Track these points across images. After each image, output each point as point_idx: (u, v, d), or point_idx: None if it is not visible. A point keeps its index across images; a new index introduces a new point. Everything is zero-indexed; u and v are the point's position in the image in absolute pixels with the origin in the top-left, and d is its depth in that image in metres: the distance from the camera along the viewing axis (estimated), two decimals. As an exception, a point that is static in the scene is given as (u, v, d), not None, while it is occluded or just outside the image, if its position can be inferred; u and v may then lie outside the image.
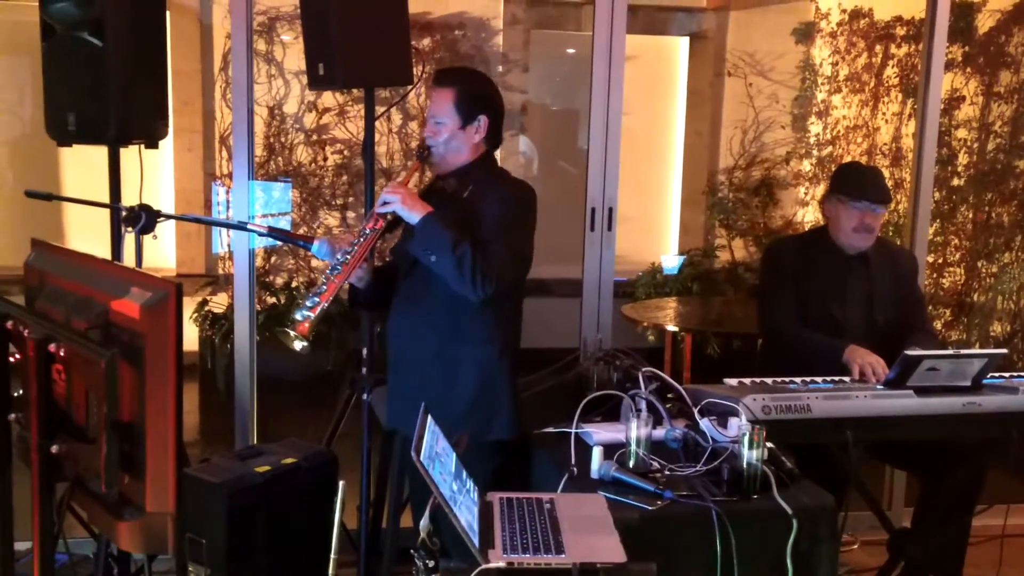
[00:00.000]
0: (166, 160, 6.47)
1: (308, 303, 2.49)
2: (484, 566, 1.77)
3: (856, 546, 3.73)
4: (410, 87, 3.29)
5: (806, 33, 6.66)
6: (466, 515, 1.88)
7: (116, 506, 1.63)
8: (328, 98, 5.90)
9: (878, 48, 6.19)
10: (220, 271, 6.18)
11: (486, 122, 2.69)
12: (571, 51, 7.20)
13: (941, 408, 2.74)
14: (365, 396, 3.24)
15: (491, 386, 2.67)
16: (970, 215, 5.59)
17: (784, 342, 3.28)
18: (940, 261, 5.63)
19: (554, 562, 1.80)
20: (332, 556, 2.29)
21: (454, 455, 2.02)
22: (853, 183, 3.28)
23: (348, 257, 2.57)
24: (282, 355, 2.45)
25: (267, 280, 5.95)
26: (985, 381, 2.86)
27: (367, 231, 2.60)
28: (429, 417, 1.97)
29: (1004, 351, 2.90)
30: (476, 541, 1.82)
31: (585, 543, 1.89)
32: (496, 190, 2.67)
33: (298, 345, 2.46)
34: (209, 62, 6.27)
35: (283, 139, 6.00)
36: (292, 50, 5.85)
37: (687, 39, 7.10)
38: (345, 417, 3.48)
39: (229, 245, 5.21)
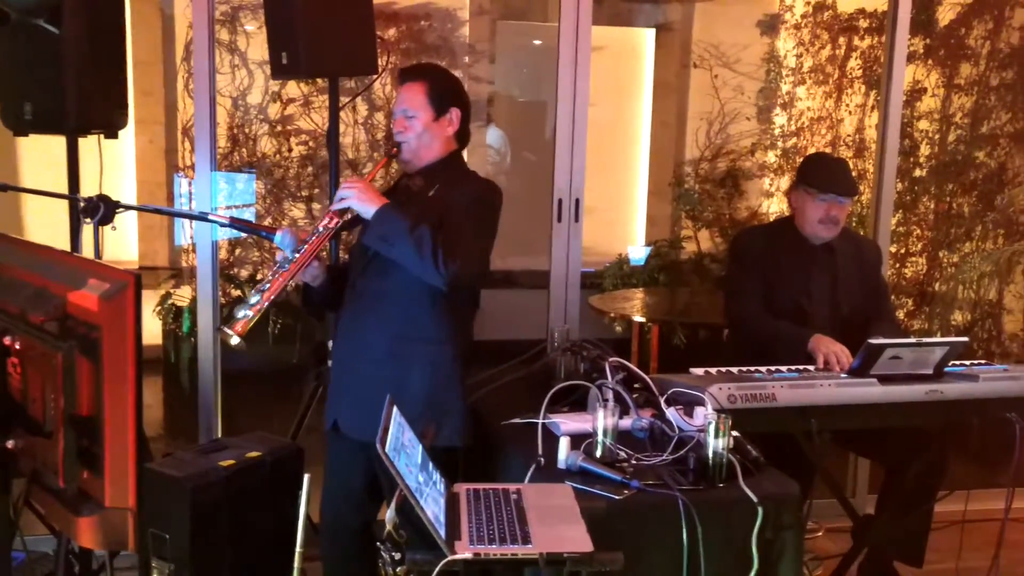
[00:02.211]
0: (128, 151, 6.38)
1: (251, 300, 2.41)
2: (451, 557, 1.76)
3: (821, 533, 3.77)
4: (375, 77, 3.26)
5: (771, 25, 6.71)
6: (432, 507, 1.87)
7: (74, 502, 1.60)
8: (292, 88, 5.84)
9: (841, 40, 6.24)
10: (184, 263, 6.10)
11: (458, 115, 2.66)
12: (537, 42, 7.19)
13: (904, 396, 2.77)
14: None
15: (443, 389, 2.62)
16: (932, 205, 5.66)
17: (750, 331, 3.30)
18: (903, 251, 5.69)
19: (521, 552, 1.79)
20: (297, 549, 2.27)
21: (420, 446, 2.01)
22: (820, 175, 3.29)
23: (296, 255, 2.50)
24: (246, 348, 2.40)
25: (231, 273, 5.89)
26: (947, 369, 2.89)
27: (319, 228, 2.53)
28: (395, 408, 1.95)
29: (965, 339, 2.93)
30: (443, 533, 1.81)
31: (552, 533, 1.89)
32: (462, 188, 2.62)
33: (234, 342, 2.40)
34: (171, 52, 6.19)
35: (247, 130, 5.93)
36: (256, 40, 5.78)
37: (653, 30, 7.12)
38: (311, 410, 3.46)
39: (192, 237, 5.14)
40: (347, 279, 2.75)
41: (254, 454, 2.90)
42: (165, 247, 6.58)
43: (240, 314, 2.38)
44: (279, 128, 5.92)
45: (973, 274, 5.10)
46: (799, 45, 6.50)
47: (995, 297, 5.39)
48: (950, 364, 2.91)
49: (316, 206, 6.04)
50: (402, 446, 1.89)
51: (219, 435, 3.59)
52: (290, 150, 5.99)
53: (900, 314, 5.56)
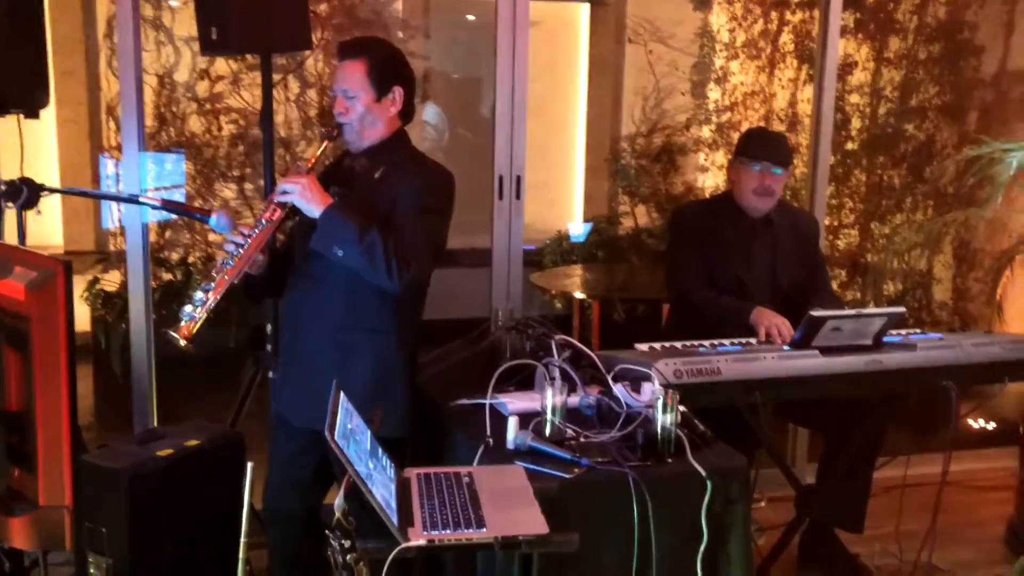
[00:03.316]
0: (49, 132, 6.14)
1: (195, 301, 2.32)
2: (404, 544, 1.73)
3: (763, 503, 3.83)
4: (309, 53, 3.18)
5: (703, 0, 6.72)
6: (383, 493, 1.83)
7: (6, 501, 1.53)
8: (221, 66, 5.68)
9: (773, 15, 6.29)
10: (111, 247, 5.92)
11: (401, 94, 2.57)
12: (471, 17, 7.11)
13: (845, 367, 2.81)
14: (271, 374, 3.14)
15: (385, 379, 2.57)
16: (863, 178, 5.75)
17: (692, 305, 3.32)
18: (836, 223, 5.79)
19: (475, 537, 1.77)
20: (242, 540, 2.21)
21: (369, 432, 1.97)
22: (754, 145, 3.35)
23: (240, 251, 2.40)
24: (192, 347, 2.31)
25: (162, 256, 5.72)
26: (885, 339, 2.95)
27: (263, 221, 2.44)
28: (342, 394, 1.90)
29: (902, 309, 2.99)
30: (395, 520, 1.77)
31: (506, 516, 1.86)
32: (411, 173, 2.55)
33: (181, 344, 2.31)
34: (93, 29, 5.96)
35: (174, 109, 5.75)
36: (181, 15, 5.60)
37: (588, 5, 7.09)
38: (250, 396, 3.39)
39: (120, 220, 4.98)
40: (289, 264, 2.67)
41: (193, 443, 2.83)
42: (91, 231, 6.37)
43: (185, 316, 2.29)
44: (208, 106, 5.76)
45: (904, 245, 5.21)
46: (732, 20, 6.53)
47: (925, 267, 5.52)
48: (888, 334, 2.96)
49: (248, 186, 5.90)
50: (350, 432, 1.84)
51: (154, 424, 3.49)
52: (220, 129, 5.82)
53: (834, 285, 5.65)
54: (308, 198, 2.41)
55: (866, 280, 5.64)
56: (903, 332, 3.14)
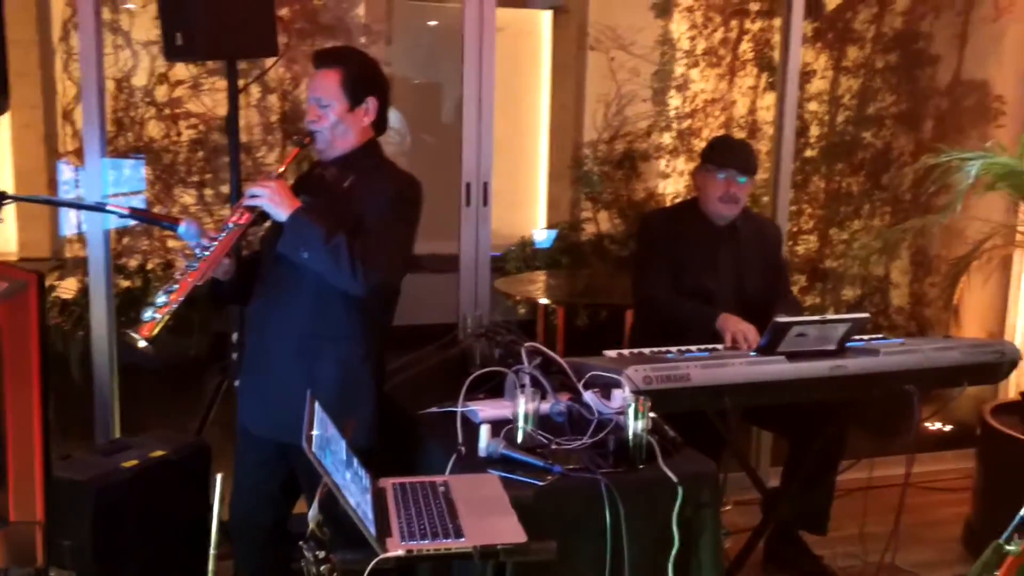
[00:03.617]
0: (1, 137, 6.01)
1: (158, 301, 2.31)
2: (383, 555, 1.72)
3: (729, 507, 3.86)
4: (275, 59, 3.16)
5: (664, 8, 6.77)
6: (360, 503, 1.82)
7: (-25, 518, 1.50)
8: (180, 70, 5.60)
9: (733, 23, 6.36)
10: (67, 254, 5.80)
11: (375, 104, 2.58)
12: (433, 23, 7.10)
13: (811, 372, 2.84)
14: (237, 382, 3.11)
15: (352, 388, 2.56)
16: (822, 185, 5.84)
17: (658, 311, 3.35)
18: (795, 229, 5.86)
19: (454, 547, 1.77)
20: (212, 551, 2.18)
21: (344, 442, 1.95)
22: (720, 153, 3.40)
23: (206, 253, 2.39)
24: (152, 349, 2.28)
25: (120, 263, 5.63)
26: (848, 344, 2.99)
27: (230, 225, 2.44)
28: (317, 404, 1.89)
29: (867, 315, 3.04)
30: (373, 530, 1.76)
31: (484, 525, 1.86)
32: (380, 183, 2.55)
33: (141, 344, 2.29)
34: (47, 31, 5.85)
35: (132, 113, 5.66)
36: (139, 19, 5.52)
37: (550, 12, 7.12)
38: (215, 405, 3.35)
39: (79, 227, 4.89)
40: (256, 271, 2.65)
41: (159, 453, 2.81)
42: (47, 237, 6.24)
43: (146, 316, 2.27)
44: (167, 111, 5.68)
45: (863, 251, 5.30)
46: (692, 28, 6.60)
47: (883, 273, 5.62)
48: (851, 339, 3.01)
49: (208, 191, 5.82)
50: (327, 442, 1.83)
51: (117, 434, 3.44)
52: (179, 134, 5.75)
53: (794, 290, 5.73)
54: (277, 202, 2.41)
55: (825, 285, 5.72)
56: (866, 338, 3.19)
